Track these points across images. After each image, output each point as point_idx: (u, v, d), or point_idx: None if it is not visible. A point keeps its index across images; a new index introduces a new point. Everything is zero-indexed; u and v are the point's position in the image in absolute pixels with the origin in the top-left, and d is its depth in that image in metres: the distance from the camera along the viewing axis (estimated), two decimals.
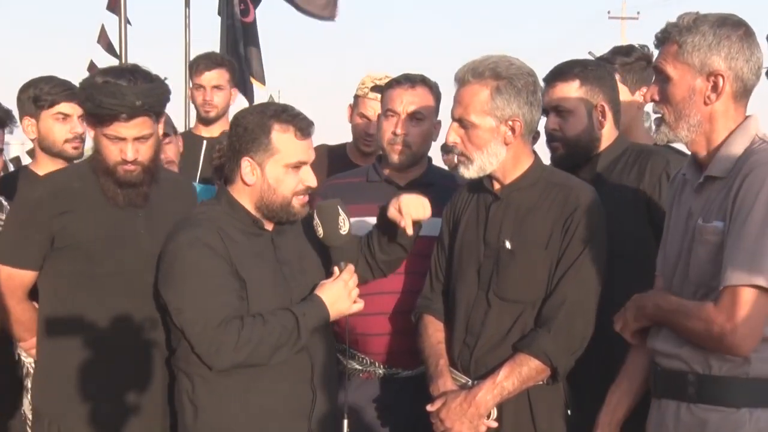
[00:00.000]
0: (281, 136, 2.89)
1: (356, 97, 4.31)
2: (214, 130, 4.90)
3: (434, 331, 3.04)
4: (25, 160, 5.21)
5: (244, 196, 2.96)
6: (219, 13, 7.78)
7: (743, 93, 2.45)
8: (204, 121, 5.12)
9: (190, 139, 4.95)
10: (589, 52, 3.89)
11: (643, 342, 2.61)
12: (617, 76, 3.50)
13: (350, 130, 4.38)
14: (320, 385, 2.97)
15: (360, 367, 3.41)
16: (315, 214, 2.97)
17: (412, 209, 3.00)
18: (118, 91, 2.92)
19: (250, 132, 2.89)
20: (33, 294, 3.18)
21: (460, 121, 2.87)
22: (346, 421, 3.00)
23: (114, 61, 6.16)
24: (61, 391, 3.06)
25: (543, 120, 3.15)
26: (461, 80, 2.87)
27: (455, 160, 3.04)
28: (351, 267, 2.98)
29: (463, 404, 2.80)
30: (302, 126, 2.92)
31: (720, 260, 2.35)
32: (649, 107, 3.48)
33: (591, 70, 3.22)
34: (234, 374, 2.84)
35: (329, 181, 3.68)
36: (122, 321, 3.05)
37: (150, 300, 3.02)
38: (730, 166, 2.41)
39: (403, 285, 3.33)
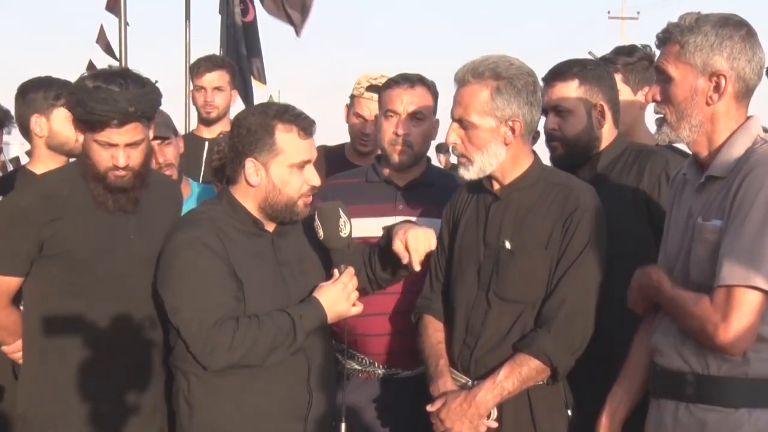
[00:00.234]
0: (285, 136, 2.88)
1: (352, 96, 4.31)
2: (216, 131, 4.92)
3: (434, 331, 3.03)
4: (25, 160, 5.19)
5: (248, 196, 2.95)
6: (220, 12, 7.79)
7: (745, 93, 2.45)
8: (205, 122, 5.20)
9: (192, 140, 4.98)
10: (589, 52, 3.88)
11: (653, 318, 2.60)
12: (620, 77, 3.50)
13: (347, 130, 4.37)
14: (317, 387, 2.96)
15: (359, 368, 3.40)
16: (316, 216, 2.97)
17: (420, 245, 3.01)
18: (110, 97, 2.87)
19: (253, 133, 2.88)
20: (16, 296, 3.14)
21: (460, 122, 2.86)
22: (344, 425, 2.99)
23: (113, 62, 6.15)
24: (52, 395, 3.02)
25: (542, 120, 3.15)
26: (461, 80, 2.86)
27: (452, 161, 3.04)
28: (351, 270, 2.97)
29: (463, 404, 2.80)
30: (305, 125, 2.92)
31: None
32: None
33: (590, 70, 3.22)
34: (229, 374, 2.83)
35: (328, 181, 3.67)
36: (114, 324, 3.02)
37: (143, 303, 3.02)
38: (731, 166, 2.41)
39: (403, 285, 3.32)
